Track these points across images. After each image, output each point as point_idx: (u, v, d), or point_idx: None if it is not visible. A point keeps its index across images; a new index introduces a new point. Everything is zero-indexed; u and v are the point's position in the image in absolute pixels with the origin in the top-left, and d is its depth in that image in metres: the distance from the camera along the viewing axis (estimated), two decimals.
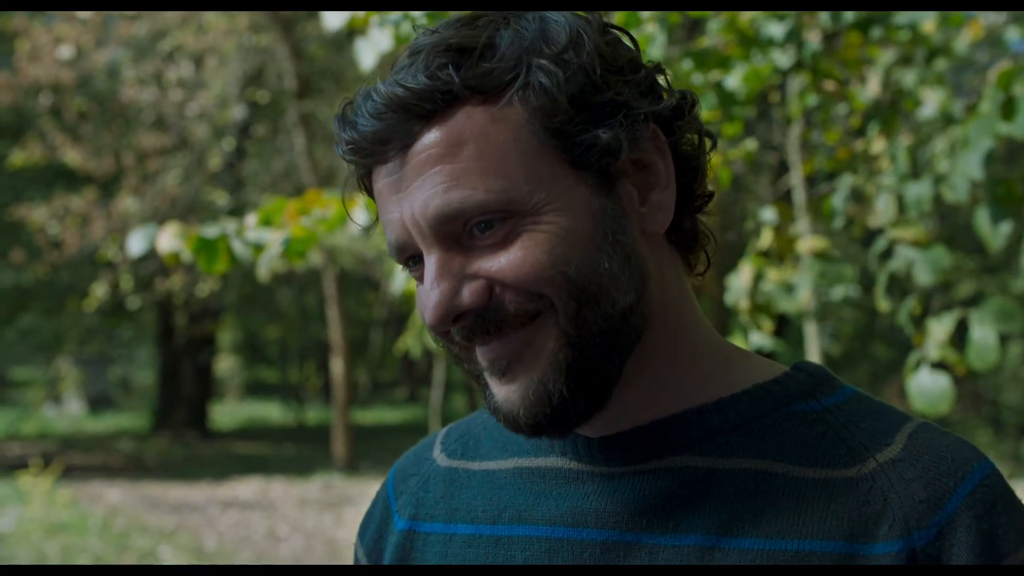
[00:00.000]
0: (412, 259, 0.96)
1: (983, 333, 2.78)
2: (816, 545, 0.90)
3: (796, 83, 3.81)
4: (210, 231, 3.01)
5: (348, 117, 0.94)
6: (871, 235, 4.30)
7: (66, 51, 15.41)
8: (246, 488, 14.38)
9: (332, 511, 12.26)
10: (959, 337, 2.96)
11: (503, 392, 0.94)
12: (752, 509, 0.92)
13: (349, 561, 8.42)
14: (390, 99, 0.90)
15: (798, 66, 3.44)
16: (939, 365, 2.95)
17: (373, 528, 1.14)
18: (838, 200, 3.70)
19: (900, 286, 3.42)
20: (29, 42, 15.39)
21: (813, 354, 4.06)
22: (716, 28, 3.22)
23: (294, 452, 19.58)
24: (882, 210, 3.40)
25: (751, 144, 3.91)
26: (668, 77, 1.00)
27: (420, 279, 0.96)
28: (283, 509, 12.45)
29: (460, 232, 0.91)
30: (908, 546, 0.88)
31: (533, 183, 0.89)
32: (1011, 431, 17.72)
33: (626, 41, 0.97)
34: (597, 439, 0.99)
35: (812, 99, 3.75)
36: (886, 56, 3.79)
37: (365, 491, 13.77)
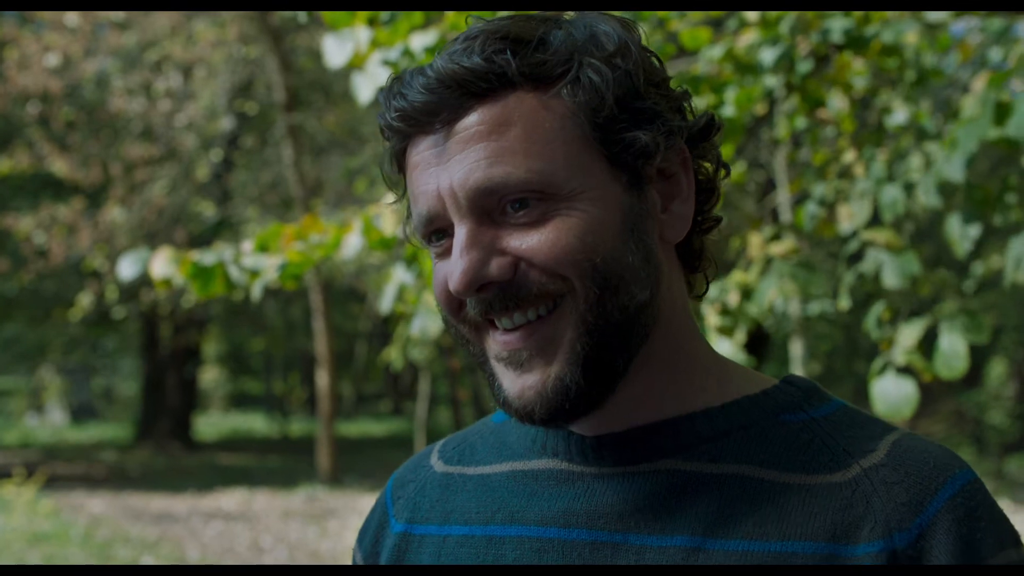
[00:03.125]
0: (436, 233, 0.99)
1: (952, 341, 2.77)
2: (799, 546, 0.92)
3: (785, 105, 3.84)
4: (206, 258, 2.98)
5: (396, 89, 0.99)
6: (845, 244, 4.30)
7: (54, 60, 15.39)
8: (229, 499, 14.33)
9: (316, 523, 12.22)
10: (927, 344, 2.95)
11: (517, 386, 0.98)
12: (737, 512, 0.95)
13: None
14: (445, 74, 0.95)
15: (789, 88, 3.46)
16: (905, 371, 2.94)
17: (371, 533, 1.18)
18: (807, 212, 3.70)
19: (870, 295, 3.41)
20: (18, 50, 15.35)
21: (797, 371, 4.09)
22: (710, 56, 3.24)
23: (278, 464, 19.51)
24: (856, 212, 3.40)
25: (740, 166, 3.94)
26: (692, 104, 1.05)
27: (441, 255, 1.00)
28: (267, 521, 12.41)
29: (494, 207, 0.95)
30: (889, 547, 0.91)
31: (572, 170, 0.94)
32: (994, 449, 17.80)
33: (656, 64, 1.03)
34: (590, 438, 1.02)
35: (801, 121, 3.77)
36: (866, 79, 3.81)
37: (349, 503, 13.75)
